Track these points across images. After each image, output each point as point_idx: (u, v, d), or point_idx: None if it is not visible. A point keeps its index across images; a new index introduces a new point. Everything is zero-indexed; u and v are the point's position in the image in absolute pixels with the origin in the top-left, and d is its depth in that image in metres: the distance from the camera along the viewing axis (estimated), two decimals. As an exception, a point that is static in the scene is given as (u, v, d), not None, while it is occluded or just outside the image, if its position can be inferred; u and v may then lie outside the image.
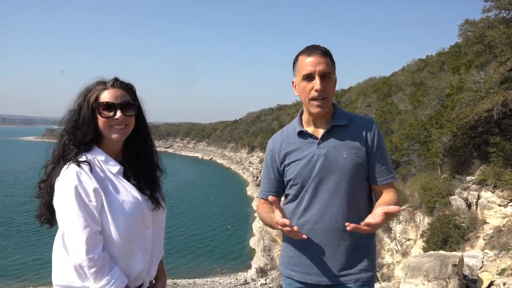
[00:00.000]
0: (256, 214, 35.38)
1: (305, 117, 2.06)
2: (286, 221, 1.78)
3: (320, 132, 1.99)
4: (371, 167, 1.98)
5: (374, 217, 1.72)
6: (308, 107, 1.97)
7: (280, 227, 1.82)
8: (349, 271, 1.95)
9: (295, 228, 1.78)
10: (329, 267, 1.96)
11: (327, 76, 1.91)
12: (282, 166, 2.06)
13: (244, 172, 58.80)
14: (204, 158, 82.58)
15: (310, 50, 1.93)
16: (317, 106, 1.92)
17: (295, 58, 2.00)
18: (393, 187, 2.02)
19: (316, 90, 1.89)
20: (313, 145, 1.98)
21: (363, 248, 1.99)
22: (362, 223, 1.70)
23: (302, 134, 2.02)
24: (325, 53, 1.92)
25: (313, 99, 1.91)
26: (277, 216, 1.83)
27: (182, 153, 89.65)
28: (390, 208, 1.70)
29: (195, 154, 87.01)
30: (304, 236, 1.82)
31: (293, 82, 2.03)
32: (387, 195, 1.97)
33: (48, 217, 1.71)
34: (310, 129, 2.03)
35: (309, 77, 1.90)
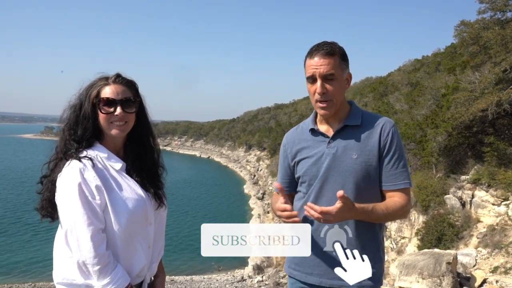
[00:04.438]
0: (253, 212, 35.56)
1: (319, 115, 2.00)
2: (287, 207, 1.79)
3: (332, 131, 1.94)
4: (381, 170, 1.88)
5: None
6: (315, 109, 1.94)
7: (279, 212, 1.82)
8: None
9: (295, 212, 1.78)
10: (332, 269, 1.88)
11: (331, 78, 1.83)
12: (293, 162, 2.02)
13: (241, 171, 58.67)
14: (201, 156, 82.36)
15: (313, 51, 1.86)
16: (322, 108, 1.88)
17: (304, 58, 1.94)
18: (405, 193, 1.88)
19: (318, 93, 1.84)
20: (323, 144, 1.93)
21: (370, 253, 1.88)
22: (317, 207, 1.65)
23: (314, 131, 1.98)
24: (329, 53, 1.83)
25: (317, 101, 1.87)
26: (279, 202, 1.83)
27: (180, 151, 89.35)
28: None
29: (193, 152, 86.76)
30: (296, 219, 1.78)
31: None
32: (388, 199, 1.87)
33: (49, 211, 1.70)
34: (323, 127, 1.98)
35: (312, 79, 1.86)
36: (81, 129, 1.70)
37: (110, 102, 1.70)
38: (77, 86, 1.77)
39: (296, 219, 1.78)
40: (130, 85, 1.78)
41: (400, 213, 1.87)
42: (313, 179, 1.92)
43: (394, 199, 1.86)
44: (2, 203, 36.07)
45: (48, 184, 1.69)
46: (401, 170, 1.87)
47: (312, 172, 1.92)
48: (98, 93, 1.71)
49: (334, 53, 1.85)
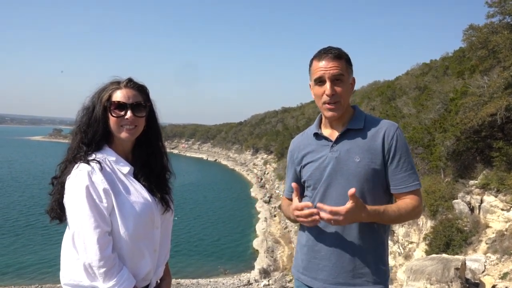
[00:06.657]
0: (260, 215, 35.55)
1: (323, 119, 2.03)
2: (308, 203, 1.78)
3: (335, 135, 1.95)
4: (389, 173, 1.88)
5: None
6: (322, 111, 1.95)
7: (297, 212, 1.80)
8: (355, 281, 1.87)
9: (315, 210, 1.75)
10: (337, 274, 1.89)
11: (339, 79, 1.87)
12: (299, 167, 2.05)
13: (248, 174, 58.86)
14: (208, 159, 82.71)
15: (322, 54, 1.90)
16: (329, 109, 1.89)
17: (310, 61, 1.97)
18: (416, 195, 1.88)
19: (327, 95, 1.86)
20: (327, 148, 1.95)
21: (374, 258, 1.89)
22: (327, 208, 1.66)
23: (318, 136, 2.00)
24: (337, 56, 1.88)
25: (325, 103, 1.89)
26: (295, 202, 1.84)
27: (187, 154, 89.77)
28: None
29: (200, 155, 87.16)
30: (316, 217, 1.75)
31: (310, 85, 2.00)
32: (400, 201, 1.87)
33: (58, 213, 1.71)
34: (326, 132, 2.00)
35: (320, 81, 1.89)
36: (91, 131, 1.72)
37: (121, 106, 1.72)
38: (89, 87, 1.80)
39: (316, 217, 1.74)
40: (141, 90, 1.80)
41: (413, 214, 1.88)
42: (317, 183, 1.94)
43: (405, 200, 1.86)
44: (13, 205, 36.42)
45: (58, 186, 1.70)
46: (409, 173, 1.87)
47: (316, 176, 1.94)
48: (110, 96, 1.73)
49: (342, 56, 1.90)
